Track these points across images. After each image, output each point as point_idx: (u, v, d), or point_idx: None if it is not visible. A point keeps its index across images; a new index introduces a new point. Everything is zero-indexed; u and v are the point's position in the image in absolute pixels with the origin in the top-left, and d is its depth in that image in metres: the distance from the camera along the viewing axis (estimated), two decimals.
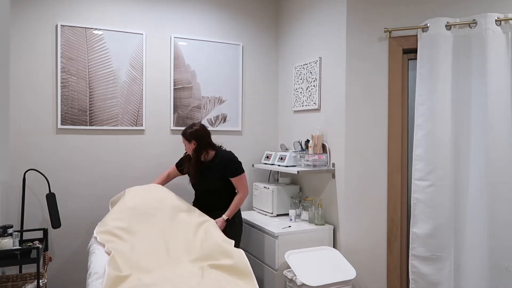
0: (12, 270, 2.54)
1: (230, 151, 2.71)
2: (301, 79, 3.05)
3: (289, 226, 2.66)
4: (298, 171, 2.66)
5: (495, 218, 2.22)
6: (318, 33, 2.86)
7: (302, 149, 2.90)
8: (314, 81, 2.88)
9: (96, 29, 2.82)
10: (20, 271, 2.54)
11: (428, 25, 2.38)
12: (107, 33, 2.85)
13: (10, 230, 2.17)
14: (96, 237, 2.29)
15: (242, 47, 3.31)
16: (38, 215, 2.70)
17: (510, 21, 2.24)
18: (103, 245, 2.19)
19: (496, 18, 2.25)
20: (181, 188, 2.94)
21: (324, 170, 2.69)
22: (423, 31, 2.40)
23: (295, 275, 2.27)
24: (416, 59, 2.43)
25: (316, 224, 2.70)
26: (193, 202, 2.76)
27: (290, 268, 2.35)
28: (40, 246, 2.26)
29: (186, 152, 2.75)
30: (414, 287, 2.40)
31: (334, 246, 2.67)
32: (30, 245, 2.31)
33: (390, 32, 2.50)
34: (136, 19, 2.95)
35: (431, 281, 2.35)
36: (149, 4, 3.00)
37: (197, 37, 3.14)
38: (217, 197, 2.66)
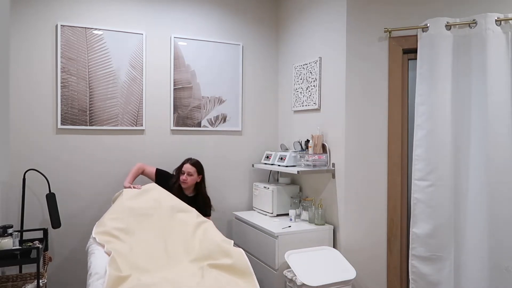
0: (12, 270, 2.54)
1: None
2: (301, 79, 3.05)
3: (289, 226, 2.66)
4: (298, 171, 2.66)
5: (495, 218, 2.22)
6: (318, 33, 2.86)
7: (302, 149, 2.90)
8: (314, 81, 2.88)
9: (96, 29, 2.82)
10: (20, 271, 2.54)
11: (428, 25, 2.38)
12: (107, 33, 2.85)
13: (10, 230, 2.17)
14: (95, 238, 2.29)
15: (242, 47, 3.31)
16: (38, 215, 2.70)
17: (510, 21, 2.24)
18: (103, 246, 2.19)
19: (496, 18, 2.25)
20: None
21: (324, 170, 2.69)
22: (423, 31, 2.40)
23: (295, 275, 2.27)
24: (416, 59, 2.43)
25: (316, 224, 2.70)
26: None
27: (290, 268, 2.35)
28: (40, 246, 2.27)
29: (175, 179, 2.83)
30: (414, 287, 2.40)
31: (334, 246, 2.67)
32: (30, 245, 2.31)
33: (390, 32, 2.50)
34: (136, 19, 2.95)
35: (431, 281, 2.35)
36: (149, 4, 3.00)
37: (197, 37, 3.14)
38: None
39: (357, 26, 2.56)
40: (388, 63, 2.53)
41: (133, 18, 2.94)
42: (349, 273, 2.34)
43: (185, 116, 3.12)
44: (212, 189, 3.22)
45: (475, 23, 2.29)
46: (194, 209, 2.60)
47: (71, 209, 2.79)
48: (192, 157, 2.94)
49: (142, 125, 2.98)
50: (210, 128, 3.21)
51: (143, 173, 2.87)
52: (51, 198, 2.54)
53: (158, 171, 2.87)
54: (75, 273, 2.81)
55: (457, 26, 2.34)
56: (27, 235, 2.52)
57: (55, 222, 2.52)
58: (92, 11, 2.82)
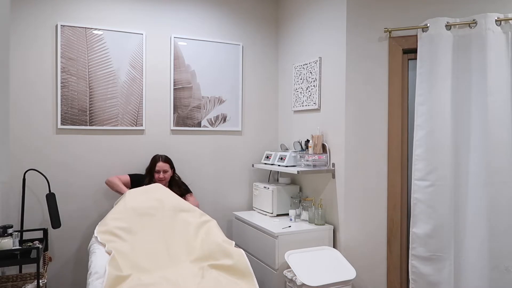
0: (12, 270, 2.54)
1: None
2: (301, 79, 3.05)
3: (289, 226, 2.66)
4: (298, 171, 2.66)
5: (495, 218, 2.22)
6: (318, 33, 2.86)
7: (302, 149, 2.90)
8: (314, 81, 2.88)
9: (96, 29, 2.82)
10: (20, 271, 2.54)
11: (428, 25, 2.38)
12: (107, 33, 2.85)
13: (10, 230, 2.17)
14: (96, 237, 2.29)
15: (242, 47, 3.31)
16: (38, 215, 2.70)
17: (510, 21, 2.24)
18: (104, 245, 2.19)
19: (496, 18, 2.25)
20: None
21: (324, 170, 2.69)
22: (423, 31, 2.40)
23: (295, 275, 2.27)
24: (416, 59, 2.43)
25: (316, 224, 2.70)
26: None
27: (290, 268, 2.35)
28: (40, 246, 2.26)
29: (148, 179, 2.85)
30: (414, 287, 2.40)
31: (334, 246, 2.67)
32: (30, 245, 2.31)
33: (390, 32, 2.50)
34: (136, 19, 2.95)
35: (431, 281, 2.35)
36: (149, 4, 3.00)
37: (197, 37, 3.14)
38: None
39: (357, 26, 2.56)
40: (388, 63, 2.53)
41: (133, 18, 2.94)
42: (349, 273, 2.34)
43: (185, 116, 3.12)
44: (212, 189, 3.22)
45: (475, 23, 2.29)
46: (197, 209, 2.60)
47: (71, 209, 2.79)
48: (158, 153, 2.95)
49: (142, 125, 2.98)
50: (210, 128, 3.21)
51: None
52: (51, 198, 2.54)
53: (132, 177, 2.87)
54: (75, 273, 2.81)
55: (457, 26, 2.34)
56: (27, 235, 2.53)
57: (55, 222, 2.52)
58: (92, 11, 2.82)
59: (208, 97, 3.19)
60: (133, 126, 2.95)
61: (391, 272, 2.56)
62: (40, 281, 2.17)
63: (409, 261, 2.42)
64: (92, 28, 2.81)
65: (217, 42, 3.21)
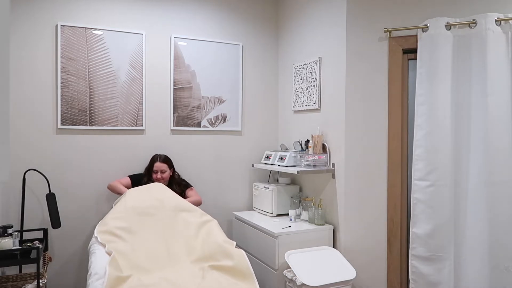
0: (12, 270, 2.54)
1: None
2: (301, 79, 3.05)
3: (289, 226, 2.66)
4: (298, 171, 2.66)
5: (495, 218, 2.22)
6: (318, 33, 2.86)
7: (302, 149, 2.90)
8: (314, 81, 2.88)
9: (96, 29, 2.82)
10: (20, 271, 2.54)
11: (428, 25, 2.38)
12: (107, 33, 2.85)
13: (10, 230, 2.18)
14: (96, 237, 2.28)
15: (242, 47, 3.31)
16: (38, 215, 2.70)
17: (510, 21, 2.24)
18: (104, 245, 2.18)
19: (496, 18, 2.25)
20: None
21: (324, 170, 2.69)
22: (423, 31, 2.40)
23: (295, 275, 2.27)
24: (416, 59, 2.43)
25: (316, 224, 2.70)
26: None
27: (290, 268, 2.35)
28: (40, 246, 2.26)
29: (146, 179, 2.85)
30: (414, 287, 2.40)
31: (334, 246, 2.67)
32: (30, 245, 2.31)
33: (390, 32, 2.50)
34: (136, 19, 2.95)
35: (431, 281, 2.35)
36: (149, 4, 3.00)
37: (197, 37, 3.14)
38: None
39: (357, 26, 2.56)
40: (388, 63, 2.53)
41: (133, 18, 2.94)
42: (349, 273, 2.34)
43: (185, 116, 3.12)
44: (212, 189, 3.22)
45: (475, 23, 2.29)
46: (198, 208, 2.58)
47: (71, 209, 2.79)
48: (157, 153, 2.95)
49: (142, 125, 2.98)
50: (210, 128, 3.21)
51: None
52: (51, 198, 2.54)
53: (132, 177, 2.87)
54: (75, 273, 2.81)
55: (457, 26, 2.34)
56: (27, 235, 2.53)
57: (55, 222, 2.52)
58: (92, 11, 2.82)
59: (208, 97, 3.19)
60: (133, 126, 2.95)
61: (391, 272, 2.56)
62: (40, 281, 2.17)
63: (409, 261, 2.42)
64: (92, 28, 2.81)
65: (217, 42, 3.21)
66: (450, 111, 2.32)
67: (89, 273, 2.07)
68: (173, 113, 3.08)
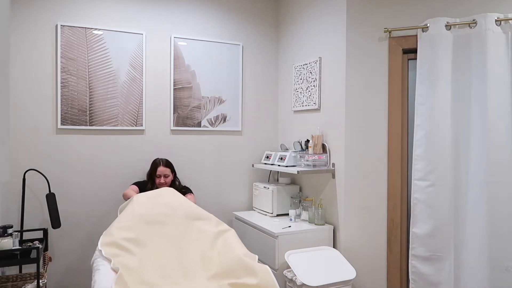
0: (12, 270, 2.54)
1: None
2: (301, 79, 3.05)
3: (289, 226, 2.66)
4: (298, 171, 2.66)
5: (495, 218, 2.22)
6: (318, 33, 2.86)
7: (302, 149, 2.90)
8: (314, 81, 2.88)
9: (96, 29, 2.82)
10: (20, 271, 2.54)
11: (428, 25, 2.38)
12: (107, 33, 2.85)
13: (10, 230, 2.17)
14: (101, 250, 2.05)
15: (242, 47, 3.31)
16: (38, 215, 2.70)
17: (510, 21, 2.24)
18: (109, 260, 1.96)
19: (496, 18, 2.25)
20: None
21: (324, 170, 2.69)
22: (423, 31, 2.40)
23: (295, 275, 2.27)
24: (416, 59, 2.43)
25: (316, 224, 2.70)
26: None
27: (290, 268, 2.35)
28: (40, 246, 2.26)
29: (150, 184, 2.83)
30: (414, 287, 2.40)
31: (334, 246, 2.67)
32: (30, 245, 2.31)
33: (390, 32, 2.50)
34: (136, 19, 2.95)
35: (431, 281, 2.35)
36: (149, 4, 3.00)
37: (197, 37, 3.14)
38: None
39: (357, 26, 2.56)
40: (388, 63, 2.53)
41: (133, 18, 2.94)
42: (349, 273, 2.34)
43: (185, 116, 3.12)
44: (212, 189, 3.22)
45: (475, 23, 2.29)
46: (213, 216, 2.38)
47: (71, 209, 2.79)
48: (157, 155, 2.94)
49: (142, 125, 2.98)
50: (210, 128, 3.21)
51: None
52: (51, 198, 2.54)
53: (138, 185, 2.82)
54: (75, 273, 2.81)
55: (457, 26, 2.34)
56: (27, 235, 2.53)
57: (55, 222, 2.52)
58: (92, 11, 2.82)
59: (208, 97, 3.19)
60: (133, 126, 2.95)
61: (391, 272, 2.56)
62: (40, 281, 2.17)
63: (409, 261, 2.42)
64: (92, 28, 2.81)
65: (217, 42, 3.21)
66: (450, 111, 2.32)
67: None
68: (173, 113, 3.08)
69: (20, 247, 2.21)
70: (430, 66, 2.36)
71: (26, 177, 2.59)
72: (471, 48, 2.30)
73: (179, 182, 2.98)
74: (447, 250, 2.33)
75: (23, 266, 2.56)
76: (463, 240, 2.32)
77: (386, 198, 2.55)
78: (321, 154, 2.71)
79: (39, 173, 2.59)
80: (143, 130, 3.00)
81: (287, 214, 2.91)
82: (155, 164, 2.85)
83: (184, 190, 2.93)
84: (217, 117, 3.23)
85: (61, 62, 2.73)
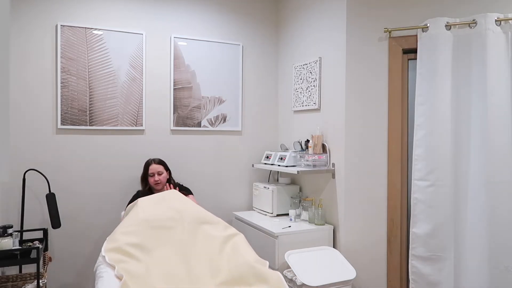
0: (12, 270, 2.54)
1: None
2: (301, 79, 3.05)
3: (289, 226, 2.66)
4: (298, 171, 2.66)
5: (495, 218, 2.22)
6: (318, 33, 2.86)
7: (302, 149, 2.90)
8: (314, 81, 2.88)
9: (96, 29, 2.82)
10: (20, 271, 2.54)
11: (428, 25, 2.38)
12: (107, 33, 2.85)
13: (10, 230, 2.17)
14: (104, 256, 1.97)
15: (242, 47, 3.31)
16: (38, 215, 2.70)
17: (510, 21, 2.24)
18: (113, 267, 1.89)
19: (496, 18, 2.25)
20: None
21: (324, 170, 2.69)
22: (423, 31, 2.40)
23: (295, 275, 2.27)
24: (416, 59, 2.43)
25: (316, 224, 2.70)
26: None
27: (290, 268, 2.35)
28: (40, 246, 2.26)
29: (144, 185, 2.81)
30: (414, 287, 2.40)
31: (334, 246, 2.67)
32: (30, 245, 2.31)
33: (390, 32, 2.50)
34: (136, 19, 2.95)
35: (431, 281, 2.35)
36: (149, 4, 3.00)
37: (197, 37, 3.14)
38: None
39: (357, 26, 2.56)
40: (388, 63, 2.53)
41: (133, 18, 2.94)
42: (349, 273, 2.34)
43: (185, 116, 3.12)
44: (212, 189, 3.22)
45: (475, 23, 2.29)
46: (220, 220, 2.31)
47: (71, 209, 2.79)
48: (150, 157, 2.87)
49: (142, 125, 2.98)
50: (210, 128, 3.21)
51: None
52: (51, 198, 2.54)
53: (139, 193, 2.79)
54: (75, 273, 2.81)
55: (457, 26, 2.34)
56: (27, 235, 2.53)
57: (55, 222, 2.52)
58: (92, 11, 2.82)
59: (208, 97, 3.19)
60: (133, 126, 2.95)
61: (391, 272, 2.56)
62: (40, 281, 2.17)
63: (409, 261, 2.42)
64: (92, 28, 2.81)
65: (217, 42, 3.21)
66: (450, 111, 2.32)
67: None
68: (173, 113, 3.08)
69: (20, 247, 2.21)
70: (430, 66, 2.36)
71: (26, 177, 2.59)
72: (471, 48, 2.30)
73: (174, 181, 2.93)
74: (447, 250, 2.33)
75: (23, 266, 2.56)
76: (463, 240, 2.32)
77: (386, 198, 2.55)
78: (321, 154, 2.71)
79: (39, 173, 2.59)
80: (143, 130, 3.00)
81: (287, 214, 2.91)
82: (147, 163, 2.83)
83: (184, 192, 2.92)
84: (217, 117, 3.23)
85: (61, 62, 2.73)
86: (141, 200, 2.37)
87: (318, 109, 2.85)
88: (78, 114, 2.78)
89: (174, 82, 3.07)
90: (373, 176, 2.56)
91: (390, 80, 2.53)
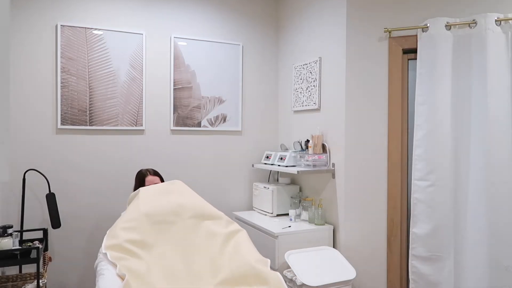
0: (12, 270, 2.54)
1: None
2: (301, 79, 3.05)
3: (289, 226, 2.66)
4: (298, 171, 2.66)
5: (495, 218, 2.22)
6: (318, 33, 2.86)
7: (302, 149, 2.90)
8: (314, 81, 2.88)
9: (96, 29, 2.82)
10: (20, 271, 2.54)
11: (428, 25, 2.38)
12: (107, 33, 2.85)
13: (10, 230, 2.17)
14: (105, 254, 1.94)
15: (242, 47, 3.31)
16: (38, 215, 2.70)
17: (510, 21, 2.24)
18: (115, 265, 1.85)
19: (496, 18, 2.25)
20: None
21: (324, 170, 2.69)
22: (423, 31, 2.40)
23: (295, 275, 2.27)
24: (416, 59, 2.43)
25: (316, 224, 2.70)
26: None
27: (290, 268, 2.35)
28: (40, 246, 2.26)
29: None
30: (414, 287, 2.40)
31: (334, 246, 2.67)
32: (30, 245, 2.31)
33: (390, 32, 2.50)
34: (136, 19, 2.95)
35: (431, 281, 2.35)
36: (149, 4, 3.00)
37: (197, 37, 3.14)
38: None
39: (357, 26, 2.56)
40: (388, 63, 2.53)
41: (133, 18, 2.94)
42: (349, 273, 2.34)
43: (185, 116, 3.12)
44: (212, 189, 3.22)
45: (475, 23, 2.29)
46: (223, 214, 2.27)
47: (71, 209, 2.79)
48: (142, 168, 2.76)
49: (142, 125, 2.98)
50: (210, 128, 3.21)
51: None
52: (51, 198, 2.54)
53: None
54: (75, 273, 2.81)
55: (457, 26, 2.34)
56: (27, 235, 2.52)
57: (55, 222, 2.52)
58: (92, 11, 2.82)
59: (208, 97, 3.19)
60: (133, 126, 2.95)
61: (391, 272, 2.56)
62: (40, 281, 2.17)
63: (409, 261, 2.42)
64: (92, 28, 2.81)
65: (217, 42, 3.21)
66: (450, 111, 2.32)
67: None
68: (173, 113, 3.08)
69: (20, 247, 2.21)
70: (430, 66, 2.36)
71: (26, 177, 2.59)
72: (471, 48, 2.30)
73: None
74: (447, 250, 2.33)
75: (23, 266, 2.56)
76: (463, 240, 2.32)
77: (386, 198, 2.55)
78: (321, 154, 2.72)
79: (39, 173, 2.59)
80: (143, 130, 3.00)
81: (287, 214, 2.91)
82: (141, 175, 2.66)
83: None
84: (217, 117, 3.23)
85: (61, 62, 2.73)
86: (142, 190, 2.30)
87: (318, 109, 2.85)
88: (78, 114, 2.78)
89: (174, 82, 3.07)
90: (373, 176, 2.56)
91: (390, 80, 2.53)
